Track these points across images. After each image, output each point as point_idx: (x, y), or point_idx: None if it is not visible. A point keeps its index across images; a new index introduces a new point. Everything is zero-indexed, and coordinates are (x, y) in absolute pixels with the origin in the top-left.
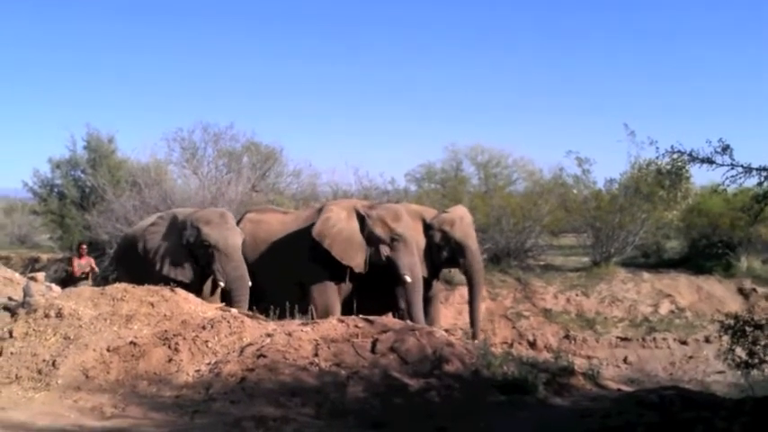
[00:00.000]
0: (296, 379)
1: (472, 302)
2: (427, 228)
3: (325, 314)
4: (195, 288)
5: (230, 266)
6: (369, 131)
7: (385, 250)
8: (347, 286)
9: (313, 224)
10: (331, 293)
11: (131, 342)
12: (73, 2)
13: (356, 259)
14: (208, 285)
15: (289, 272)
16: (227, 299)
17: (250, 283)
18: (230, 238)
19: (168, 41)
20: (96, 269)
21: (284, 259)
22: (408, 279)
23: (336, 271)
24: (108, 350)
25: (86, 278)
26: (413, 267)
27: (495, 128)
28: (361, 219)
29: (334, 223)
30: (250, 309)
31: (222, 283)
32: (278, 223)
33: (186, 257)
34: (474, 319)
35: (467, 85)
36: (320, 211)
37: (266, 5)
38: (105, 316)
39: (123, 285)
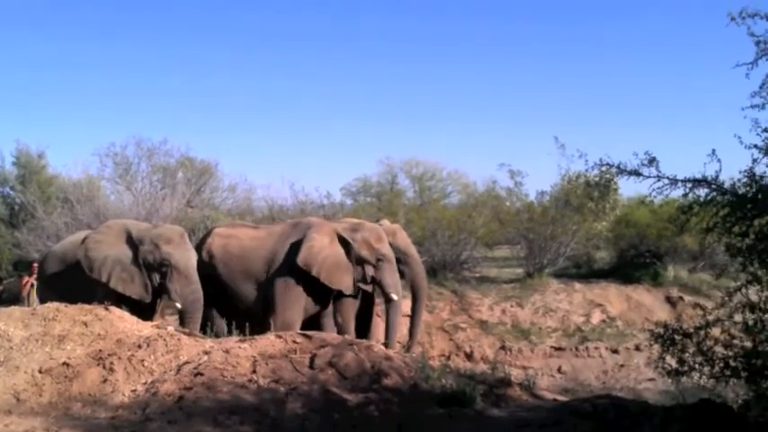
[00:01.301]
0: (234, 396)
1: (415, 314)
2: (345, 242)
3: (285, 329)
4: (145, 306)
5: (189, 289)
6: (304, 145)
7: (370, 271)
8: (311, 305)
9: (292, 242)
10: (296, 309)
11: (64, 363)
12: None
13: (345, 282)
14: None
15: (261, 286)
16: (181, 319)
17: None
18: (191, 259)
19: (99, 55)
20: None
21: (259, 274)
22: (395, 297)
23: (307, 290)
24: (40, 372)
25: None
26: (397, 285)
27: (430, 140)
28: (345, 242)
29: (319, 250)
30: (228, 324)
31: (178, 305)
32: (250, 238)
33: (138, 274)
34: (414, 331)
35: (400, 97)
36: (295, 226)
37: (198, 19)
38: (37, 336)
39: (55, 305)
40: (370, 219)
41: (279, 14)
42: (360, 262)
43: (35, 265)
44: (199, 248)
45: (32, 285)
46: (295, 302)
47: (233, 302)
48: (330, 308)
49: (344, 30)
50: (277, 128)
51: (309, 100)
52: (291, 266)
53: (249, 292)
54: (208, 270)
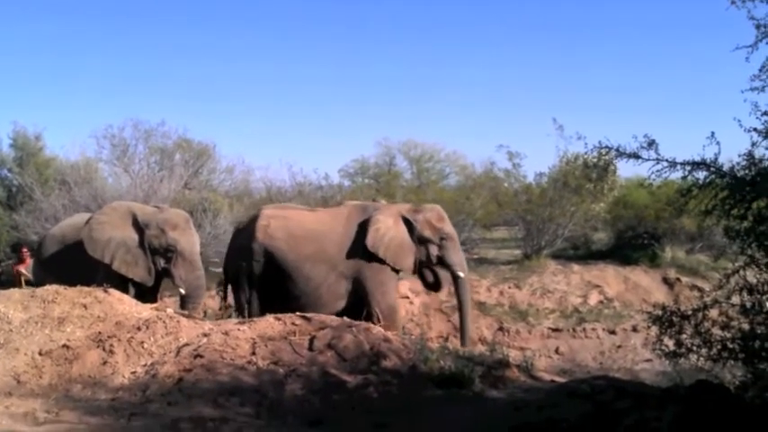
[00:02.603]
0: (234, 378)
1: (463, 304)
2: (408, 223)
3: (392, 311)
4: (146, 289)
5: (193, 275)
6: (302, 127)
7: (434, 250)
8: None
9: (360, 224)
10: (395, 292)
11: (64, 345)
12: None
13: (408, 263)
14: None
15: (334, 270)
16: (183, 304)
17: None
18: (196, 245)
19: (96, 36)
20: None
21: (332, 258)
22: (462, 275)
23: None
24: (40, 354)
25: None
26: (462, 263)
27: (427, 121)
28: (408, 223)
29: (384, 232)
30: (283, 308)
31: (182, 290)
32: (313, 221)
33: (143, 257)
34: (465, 322)
35: (398, 78)
36: (363, 209)
37: (195, 2)
38: (36, 319)
39: (54, 287)
40: (368, 200)
41: None
42: (423, 242)
43: (24, 250)
44: (246, 230)
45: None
46: (391, 285)
47: (293, 284)
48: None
49: (342, 12)
50: (274, 109)
51: (307, 81)
52: (369, 252)
53: (318, 276)
54: (266, 252)
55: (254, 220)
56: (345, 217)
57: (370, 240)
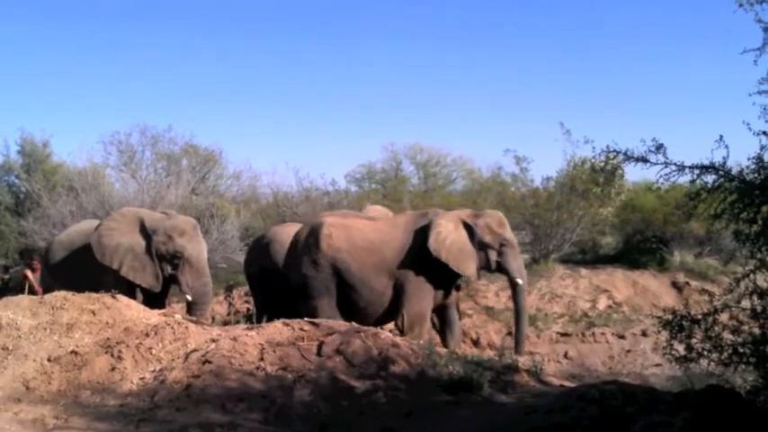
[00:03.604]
0: (242, 384)
1: (520, 312)
2: (469, 228)
3: (420, 319)
4: (154, 295)
5: (199, 282)
6: (308, 132)
7: (493, 256)
8: (440, 296)
9: (419, 230)
10: (429, 301)
11: (73, 351)
12: (2, 3)
13: (470, 268)
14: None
15: (395, 279)
16: (189, 311)
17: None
18: (203, 252)
19: (102, 42)
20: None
21: (393, 268)
22: (520, 282)
23: (438, 280)
24: (49, 360)
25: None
26: (521, 270)
27: (434, 126)
28: (469, 228)
29: (446, 236)
30: (349, 317)
31: (189, 297)
32: (375, 231)
33: (150, 263)
34: (521, 330)
35: (405, 83)
36: (422, 216)
37: (202, 5)
38: (45, 325)
39: (62, 293)
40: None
41: (283, 0)
42: (483, 247)
43: (35, 262)
44: (308, 241)
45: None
46: (428, 294)
47: (358, 295)
48: (453, 298)
49: (349, 16)
50: (281, 115)
51: (313, 86)
52: (422, 257)
53: (381, 286)
54: (331, 262)
55: (315, 229)
56: (404, 225)
57: (431, 243)
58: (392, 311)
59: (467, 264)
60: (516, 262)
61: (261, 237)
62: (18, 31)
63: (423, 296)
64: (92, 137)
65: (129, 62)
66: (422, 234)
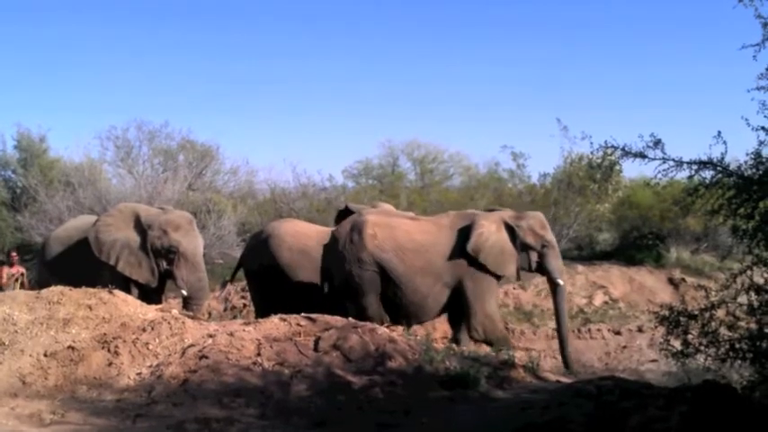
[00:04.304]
0: (239, 379)
1: (560, 312)
2: (511, 229)
3: (491, 320)
4: (151, 290)
5: (195, 276)
6: (305, 128)
7: (535, 257)
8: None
9: (462, 231)
10: (494, 299)
11: (69, 346)
12: None
13: (510, 269)
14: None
15: (441, 282)
16: (186, 305)
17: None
18: (198, 246)
19: (99, 37)
20: (26, 281)
21: (439, 270)
22: (561, 282)
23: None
24: (45, 355)
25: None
26: (562, 271)
27: (431, 122)
28: (511, 229)
29: (487, 237)
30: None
31: (184, 292)
32: (420, 232)
33: (146, 259)
34: (563, 330)
35: (402, 78)
36: (464, 217)
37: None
38: (41, 320)
39: (59, 288)
40: (372, 201)
41: None
42: (525, 248)
43: (14, 254)
44: (351, 238)
45: (16, 279)
46: (491, 293)
47: (401, 295)
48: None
49: (345, 10)
50: (278, 110)
51: (310, 82)
52: (472, 260)
53: (426, 287)
54: (377, 261)
55: (358, 228)
56: (449, 227)
57: (471, 244)
58: (434, 312)
59: (506, 265)
60: (557, 263)
61: (259, 232)
62: (15, 27)
63: (486, 298)
64: (89, 132)
65: (125, 57)
66: (464, 236)
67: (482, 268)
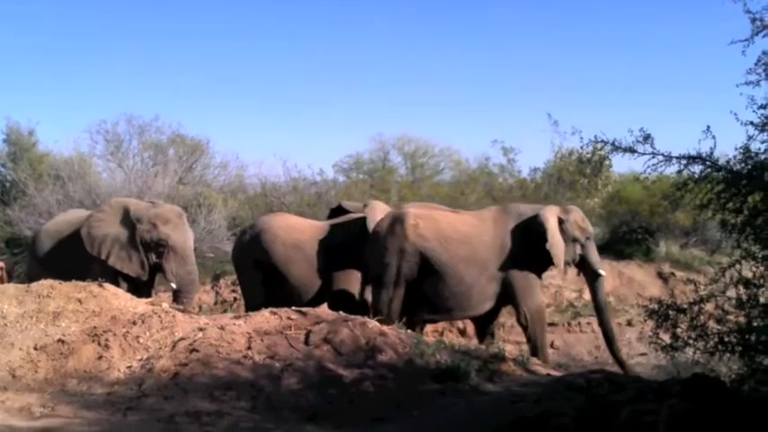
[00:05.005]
0: (230, 373)
1: (600, 304)
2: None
3: (540, 312)
4: (141, 283)
5: (184, 270)
6: (295, 122)
7: (578, 249)
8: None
9: (521, 223)
10: (540, 292)
11: (59, 340)
12: None
13: (563, 261)
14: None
15: (485, 273)
16: (176, 299)
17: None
18: (188, 240)
19: (88, 28)
20: (4, 274)
21: (484, 261)
22: (603, 273)
23: (539, 271)
24: (35, 348)
25: None
26: (600, 262)
27: (421, 117)
28: (561, 223)
29: (555, 230)
30: (430, 308)
31: (174, 285)
32: (463, 223)
33: (136, 251)
34: (608, 323)
35: (392, 73)
36: (506, 212)
37: None
38: (31, 314)
39: (49, 282)
40: (365, 195)
41: None
42: (573, 241)
43: None
44: (392, 230)
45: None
46: (537, 287)
47: (444, 286)
48: None
49: (335, 6)
50: (268, 105)
51: (300, 76)
52: (524, 251)
53: (470, 278)
54: (419, 251)
55: (398, 219)
56: (492, 220)
57: (549, 237)
58: (478, 305)
59: (562, 257)
60: (596, 254)
61: (250, 226)
62: (2, 21)
63: (534, 291)
64: (78, 126)
65: (115, 51)
66: (524, 228)
67: (529, 262)
